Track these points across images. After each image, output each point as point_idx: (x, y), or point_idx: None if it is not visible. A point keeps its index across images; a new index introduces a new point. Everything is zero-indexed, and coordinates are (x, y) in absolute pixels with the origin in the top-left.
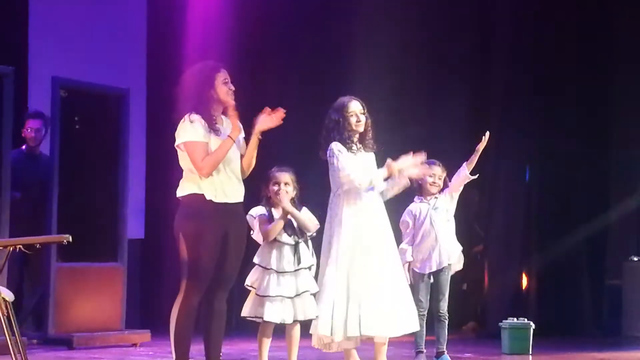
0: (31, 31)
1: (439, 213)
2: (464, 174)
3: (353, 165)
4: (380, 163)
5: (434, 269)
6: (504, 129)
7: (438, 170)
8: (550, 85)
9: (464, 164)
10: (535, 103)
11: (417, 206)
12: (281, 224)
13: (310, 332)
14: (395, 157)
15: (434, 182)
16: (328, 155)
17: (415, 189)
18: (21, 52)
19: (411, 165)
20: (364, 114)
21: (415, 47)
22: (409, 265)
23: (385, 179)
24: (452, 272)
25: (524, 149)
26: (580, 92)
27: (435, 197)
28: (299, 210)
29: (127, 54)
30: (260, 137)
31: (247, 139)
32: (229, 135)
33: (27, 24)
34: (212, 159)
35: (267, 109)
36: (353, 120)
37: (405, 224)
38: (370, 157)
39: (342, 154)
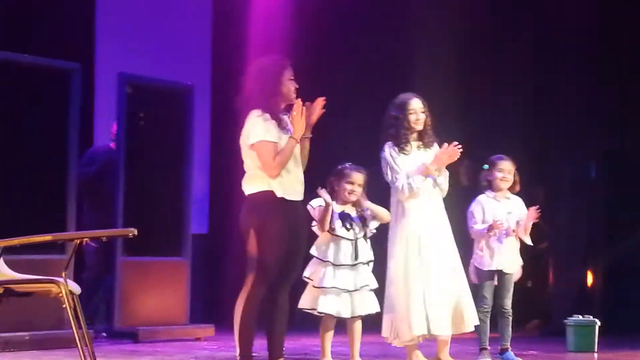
0: (98, 28)
1: (512, 217)
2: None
3: (402, 168)
4: None
5: (495, 268)
6: (570, 123)
7: (507, 165)
8: (617, 79)
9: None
10: (602, 96)
11: (487, 200)
12: (328, 212)
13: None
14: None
15: (504, 177)
16: (381, 155)
17: (485, 187)
18: (88, 49)
19: (440, 153)
20: (424, 112)
21: (477, 37)
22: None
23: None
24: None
25: (589, 145)
26: None
27: (507, 198)
28: (364, 207)
29: (191, 50)
30: (310, 134)
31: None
32: (291, 136)
33: (94, 21)
34: (280, 159)
35: (304, 104)
36: (413, 117)
37: (473, 216)
38: (429, 155)
39: (392, 158)
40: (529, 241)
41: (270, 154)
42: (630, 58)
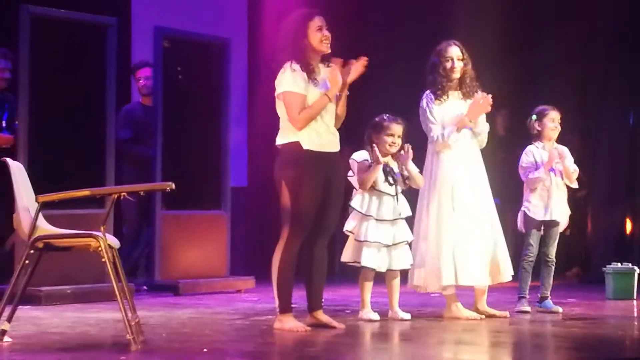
0: None
1: (559, 167)
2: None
3: (437, 119)
4: None
5: (547, 218)
6: (609, 73)
7: (557, 115)
8: None
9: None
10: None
11: (537, 150)
12: (376, 172)
13: (408, 284)
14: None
15: (556, 127)
16: (420, 103)
17: (534, 136)
18: (124, 3)
19: (472, 105)
20: (462, 59)
21: None
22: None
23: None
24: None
25: (628, 93)
26: None
27: (555, 148)
28: (406, 158)
29: (228, 3)
30: (348, 92)
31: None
32: (325, 94)
33: None
34: (307, 114)
35: (346, 62)
36: (448, 65)
37: (526, 167)
38: (469, 104)
39: (428, 108)
40: (575, 185)
41: (295, 105)
42: None
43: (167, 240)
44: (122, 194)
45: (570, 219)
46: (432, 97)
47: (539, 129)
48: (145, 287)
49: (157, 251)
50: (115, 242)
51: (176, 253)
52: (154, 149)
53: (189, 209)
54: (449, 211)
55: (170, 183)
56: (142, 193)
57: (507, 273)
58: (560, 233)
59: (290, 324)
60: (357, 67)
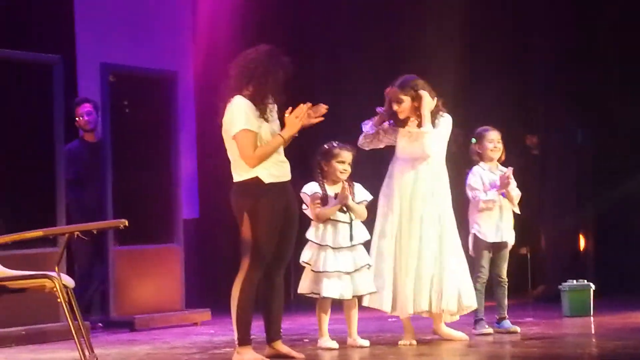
0: (77, 18)
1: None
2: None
3: None
4: None
5: (497, 239)
6: (555, 90)
7: (496, 135)
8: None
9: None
10: (584, 66)
11: (485, 173)
12: (336, 209)
13: (364, 304)
14: None
15: (495, 147)
16: None
17: (476, 161)
18: (68, 40)
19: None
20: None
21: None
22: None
23: None
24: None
25: (575, 111)
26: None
27: (499, 170)
28: (353, 187)
29: (172, 36)
30: (296, 134)
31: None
32: (280, 134)
33: (73, 12)
34: (261, 153)
35: (305, 106)
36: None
37: (473, 187)
38: None
39: None
40: (517, 210)
41: (249, 144)
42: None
43: (121, 276)
44: (76, 233)
45: (524, 238)
46: None
47: (479, 151)
48: (100, 325)
49: (111, 287)
50: (69, 282)
51: (131, 288)
52: (105, 185)
53: (142, 244)
54: (404, 233)
55: (123, 220)
56: (95, 231)
57: (473, 302)
58: (517, 253)
59: (249, 356)
60: (318, 113)
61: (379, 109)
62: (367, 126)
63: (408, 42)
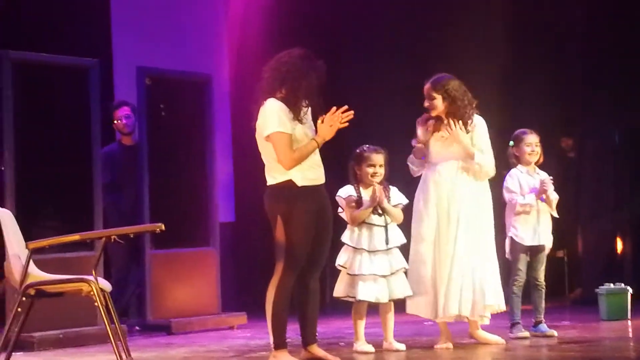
0: (114, 22)
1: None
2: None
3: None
4: None
5: (534, 243)
6: (594, 93)
7: (533, 138)
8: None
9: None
10: (621, 68)
11: (523, 175)
12: (369, 211)
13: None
14: None
15: (533, 151)
16: None
17: (513, 163)
18: (105, 43)
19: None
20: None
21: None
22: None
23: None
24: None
25: (612, 113)
26: None
27: (537, 173)
28: (389, 190)
29: (208, 38)
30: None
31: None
32: (314, 139)
33: (110, 15)
34: (298, 156)
35: (337, 112)
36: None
37: (511, 190)
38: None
39: None
40: (555, 214)
41: (285, 146)
42: None
43: (158, 280)
44: (113, 237)
45: (561, 241)
46: None
47: (517, 154)
48: (137, 328)
49: (148, 291)
50: (106, 286)
51: (167, 292)
52: (141, 189)
53: (178, 247)
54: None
55: (160, 224)
56: (131, 235)
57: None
58: (554, 256)
59: None
60: (345, 118)
61: (413, 143)
62: (413, 167)
63: (444, 43)
